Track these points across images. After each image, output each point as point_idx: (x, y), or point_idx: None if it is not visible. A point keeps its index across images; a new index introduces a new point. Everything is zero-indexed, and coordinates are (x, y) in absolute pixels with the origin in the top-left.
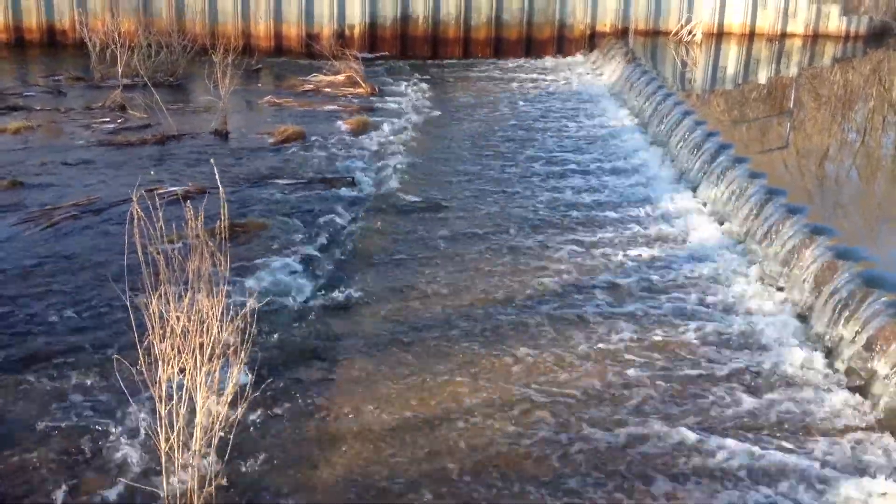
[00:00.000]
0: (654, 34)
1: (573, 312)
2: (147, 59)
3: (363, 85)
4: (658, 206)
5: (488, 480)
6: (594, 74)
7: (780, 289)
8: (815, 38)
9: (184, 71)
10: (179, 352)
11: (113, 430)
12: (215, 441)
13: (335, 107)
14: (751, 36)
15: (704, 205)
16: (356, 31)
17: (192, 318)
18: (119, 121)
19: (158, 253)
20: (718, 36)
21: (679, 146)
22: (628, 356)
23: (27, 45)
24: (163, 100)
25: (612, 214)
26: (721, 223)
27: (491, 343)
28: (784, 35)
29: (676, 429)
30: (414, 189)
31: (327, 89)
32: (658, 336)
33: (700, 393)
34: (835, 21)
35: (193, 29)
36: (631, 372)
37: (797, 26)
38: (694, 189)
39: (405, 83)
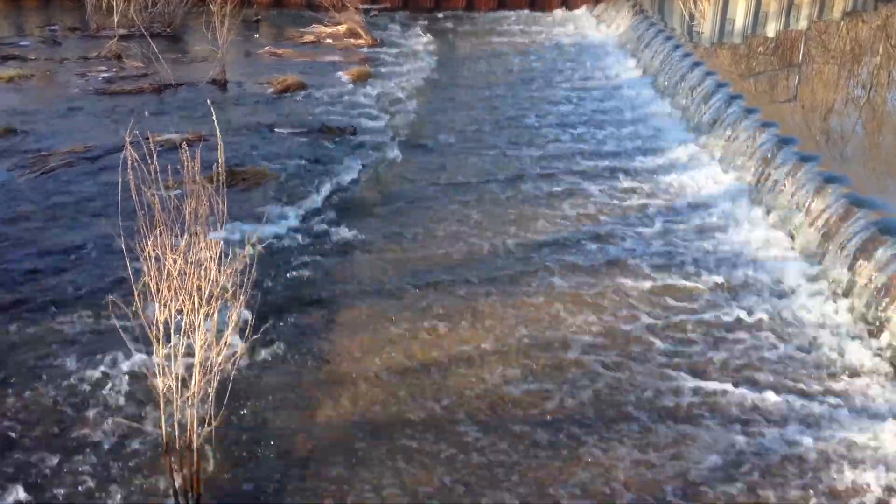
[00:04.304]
0: None
1: (578, 260)
2: (144, 9)
3: (364, 36)
4: (667, 156)
5: (490, 424)
6: (601, 27)
7: (793, 236)
8: None
9: (181, 22)
10: (177, 293)
11: (110, 372)
12: (214, 383)
13: (336, 58)
14: None
15: (714, 154)
16: None
17: (190, 259)
18: (115, 70)
19: (153, 195)
20: None
21: (688, 97)
22: (635, 303)
23: None
24: (160, 50)
25: (620, 164)
26: (731, 172)
27: (494, 288)
28: None
29: (682, 373)
30: (415, 137)
31: (328, 40)
32: (666, 283)
33: (708, 338)
34: None
35: None
36: (637, 318)
37: None
38: (703, 139)
39: (407, 34)
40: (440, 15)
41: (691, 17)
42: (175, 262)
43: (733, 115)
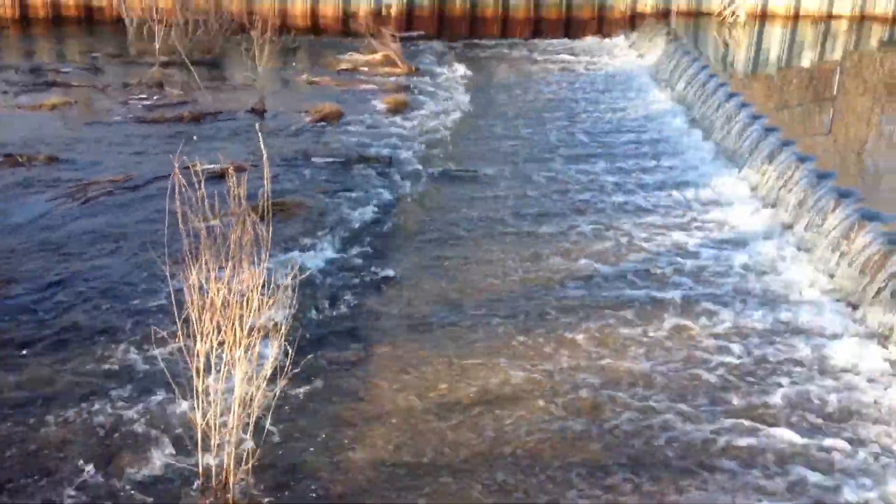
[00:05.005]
0: (697, 15)
1: (615, 298)
2: (184, 36)
3: (400, 64)
4: (702, 189)
5: (523, 467)
6: (635, 55)
7: (832, 275)
8: (861, 20)
9: (220, 49)
10: (219, 326)
11: (149, 405)
12: (253, 418)
13: (372, 86)
14: (795, 17)
15: (751, 188)
16: (393, 9)
17: (233, 290)
18: (156, 98)
19: (199, 222)
20: (762, 17)
21: (724, 129)
22: (672, 343)
23: (65, 22)
24: (199, 77)
25: (655, 199)
26: (768, 207)
27: (530, 326)
28: (830, 17)
29: (718, 417)
30: (452, 169)
31: (364, 68)
32: (703, 324)
33: (745, 382)
34: (882, 3)
35: (230, 7)
36: (675, 359)
37: (844, 8)
38: (739, 172)
39: (443, 62)
40: (475, 42)
41: (726, 46)
42: (218, 292)
43: (770, 147)
